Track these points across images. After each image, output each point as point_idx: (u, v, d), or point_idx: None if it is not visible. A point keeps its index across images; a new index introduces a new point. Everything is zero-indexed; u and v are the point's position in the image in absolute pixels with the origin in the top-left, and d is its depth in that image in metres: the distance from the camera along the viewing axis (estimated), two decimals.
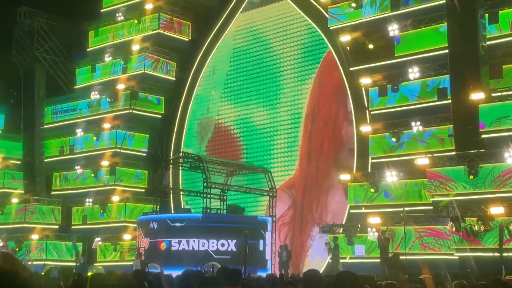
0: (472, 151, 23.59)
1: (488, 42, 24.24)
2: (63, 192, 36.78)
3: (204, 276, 9.21)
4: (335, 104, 30.81)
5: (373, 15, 28.18)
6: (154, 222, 27.14)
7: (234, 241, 25.62)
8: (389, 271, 22.17)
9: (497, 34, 24.46)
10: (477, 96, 23.07)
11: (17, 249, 32.49)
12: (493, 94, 23.52)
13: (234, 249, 25.50)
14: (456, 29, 24.20)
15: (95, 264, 32.07)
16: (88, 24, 38.51)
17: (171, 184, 34.91)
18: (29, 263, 29.33)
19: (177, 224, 26.46)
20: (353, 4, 28.61)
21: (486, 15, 24.40)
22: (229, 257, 24.74)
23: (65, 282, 8.78)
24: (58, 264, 28.24)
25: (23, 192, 35.97)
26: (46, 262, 30.96)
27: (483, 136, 23.39)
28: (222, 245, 25.81)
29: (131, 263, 27.08)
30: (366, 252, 25.80)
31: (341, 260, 25.50)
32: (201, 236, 25.85)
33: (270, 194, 29.13)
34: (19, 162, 37.47)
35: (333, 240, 25.93)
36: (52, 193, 37.02)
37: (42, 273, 15.67)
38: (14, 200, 35.20)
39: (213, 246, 25.82)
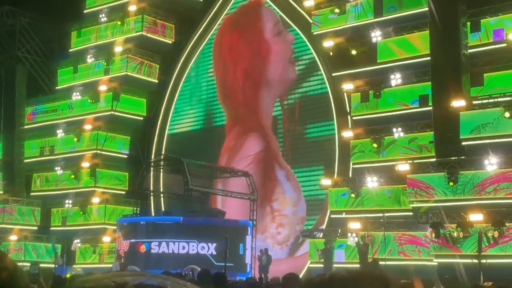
0: (453, 158, 23.76)
1: (470, 50, 24.43)
2: (43, 193, 36.51)
3: (185, 279, 9.21)
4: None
5: (356, 21, 28.29)
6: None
7: (215, 244, 25.57)
8: None
9: (479, 42, 24.68)
10: (458, 103, 23.22)
11: None
12: (474, 102, 23.68)
13: (214, 252, 25.47)
14: (438, 36, 24.35)
15: (74, 266, 31.86)
16: (71, 25, 38.27)
17: (151, 186, 34.77)
18: None
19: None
20: (337, 10, 28.69)
21: (468, 23, 24.60)
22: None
23: (45, 283, 8.73)
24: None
25: (2, 192, 35.67)
26: (25, 264, 30.67)
27: (463, 143, 23.56)
28: (203, 248, 25.76)
29: (111, 265, 26.96)
30: (347, 257, 25.83)
31: (321, 265, 25.51)
32: (181, 239, 25.78)
33: (251, 198, 29.07)
34: None
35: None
36: (31, 194, 36.73)
37: None
38: None
39: (193, 249, 25.76)
